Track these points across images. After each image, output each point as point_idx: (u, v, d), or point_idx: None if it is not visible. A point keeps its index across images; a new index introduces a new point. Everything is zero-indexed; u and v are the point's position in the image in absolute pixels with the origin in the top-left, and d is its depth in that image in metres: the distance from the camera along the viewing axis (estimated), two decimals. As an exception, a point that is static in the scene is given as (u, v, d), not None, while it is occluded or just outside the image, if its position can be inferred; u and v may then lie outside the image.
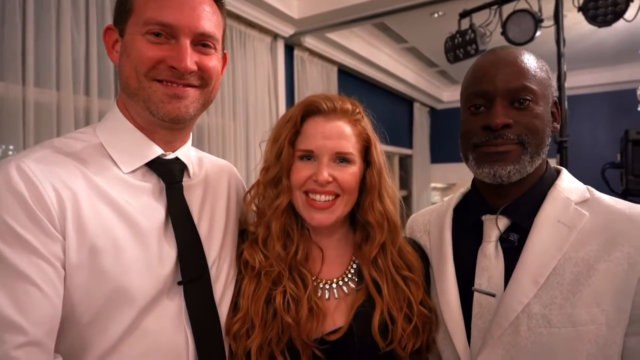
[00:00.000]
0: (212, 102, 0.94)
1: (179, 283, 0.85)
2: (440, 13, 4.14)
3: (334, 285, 0.98)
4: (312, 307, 0.91)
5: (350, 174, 0.96)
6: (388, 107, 6.27)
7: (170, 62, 0.82)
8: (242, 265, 0.99)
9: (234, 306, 0.95)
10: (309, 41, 4.11)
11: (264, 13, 3.44)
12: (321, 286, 0.98)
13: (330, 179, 0.94)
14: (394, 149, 6.49)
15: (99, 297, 0.75)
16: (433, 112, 7.55)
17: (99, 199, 0.80)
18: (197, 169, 1.01)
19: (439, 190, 7.48)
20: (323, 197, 0.95)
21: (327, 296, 0.97)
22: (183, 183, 0.93)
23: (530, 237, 0.85)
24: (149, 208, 0.86)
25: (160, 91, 0.84)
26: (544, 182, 0.90)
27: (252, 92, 3.45)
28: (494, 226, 0.90)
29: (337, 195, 0.95)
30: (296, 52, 4.08)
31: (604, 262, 0.78)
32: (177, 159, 0.94)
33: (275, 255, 0.96)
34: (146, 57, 0.82)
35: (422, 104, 7.13)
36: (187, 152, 0.97)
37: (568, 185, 0.89)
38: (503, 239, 0.89)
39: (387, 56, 5.35)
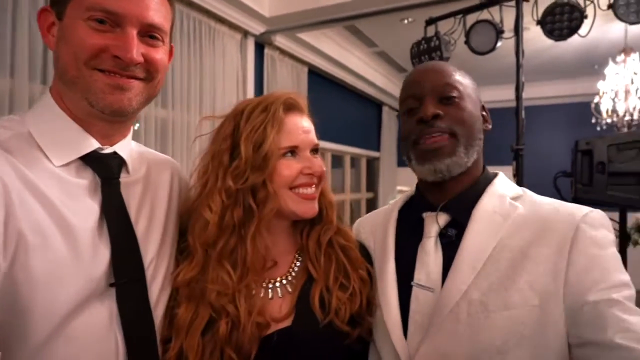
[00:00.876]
0: (155, 96, 0.90)
1: (112, 285, 0.80)
2: (410, 19, 4.22)
3: (278, 285, 0.97)
4: (252, 329, 0.87)
5: (323, 164, 1.00)
6: (357, 110, 6.33)
7: (115, 51, 0.78)
8: (177, 289, 0.91)
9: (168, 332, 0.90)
10: (280, 40, 4.10)
11: (234, 9, 3.41)
12: (264, 286, 0.96)
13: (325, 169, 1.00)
14: (362, 151, 6.56)
15: (21, 297, 0.70)
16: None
17: (29, 192, 0.74)
18: (137, 165, 0.96)
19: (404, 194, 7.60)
20: (312, 189, 0.97)
21: (270, 296, 0.95)
22: (121, 179, 0.88)
23: (468, 228, 0.90)
24: (82, 205, 0.81)
25: (102, 81, 0.79)
26: (482, 182, 0.96)
27: (219, 88, 3.41)
28: (434, 222, 0.94)
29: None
30: (266, 51, 4.06)
31: (536, 248, 0.83)
32: (115, 153, 0.88)
33: (228, 276, 0.90)
34: (88, 44, 0.77)
35: (391, 107, 7.24)
36: (126, 147, 0.92)
37: (503, 184, 0.96)
38: (442, 235, 0.93)
39: (358, 59, 5.40)
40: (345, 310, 0.93)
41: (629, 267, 2.15)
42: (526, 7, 2.51)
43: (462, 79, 0.96)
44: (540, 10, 2.45)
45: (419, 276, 0.91)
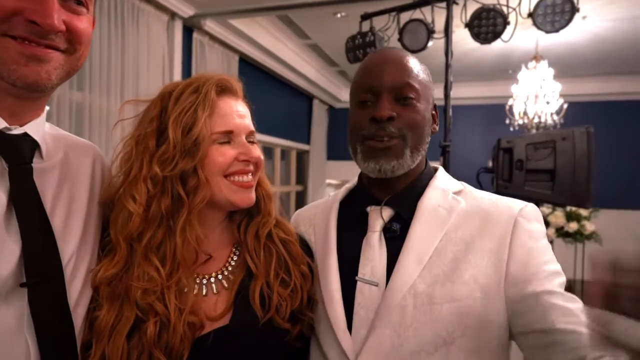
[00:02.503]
0: (77, 70, 0.80)
1: (22, 285, 0.71)
2: (343, 14, 4.25)
3: (213, 280, 0.90)
4: (185, 330, 0.81)
5: (260, 152, 0.94)
6: (288, 102, 6.29)
7: (31, 15, 0.67)
8: (97, 289, 0.83)
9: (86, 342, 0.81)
10: (210, 25, 3.92)
11: (161, -12, 3.20)
12: (197, 282, 0.89)
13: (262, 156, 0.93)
14: (292, 143, 6.54)
15: None
16: (331, 110, 7.76)
17: None
18: (53, 149, 0.84)
19: (333, 187, 7.72)
20: (249, 177, 0.91)
21: (204, 292, 0.89)
22: (33, 165, 0.77)
23: (413, 222, 0.91)
24: None
25: (14, 49, 0.67)
26: (424, 177, 0.97)
27: (143, 72, 3.19)
28: (379, 216, 0.94)
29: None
30: (195, 35, 3.87)
31: (479, 241, 0.86)
32: (25, 135, 0.77)
33: (156, 272, 0.82)
34: None
35: (322, 101, 7.29)
36: (39, 128, 0.80)
37: (445, 179, 0.98)
38: (387, 229, 0.93)
39: (290, 50, 5.35)
40: (286, 306, 0.89)
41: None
42: (456, 10, 2.62)
43: (421, 77, 0.94)
44: (469, 14, 2.57)
45: (364, 270, 0.90)
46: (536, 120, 5.10)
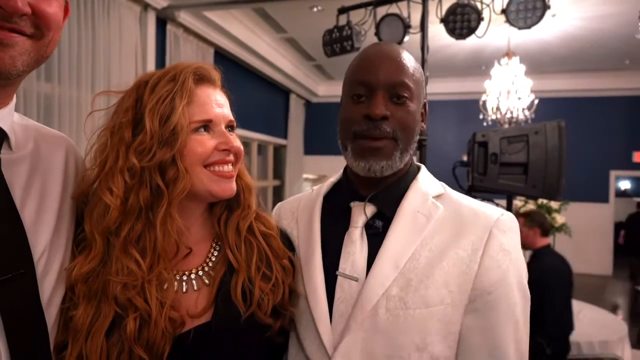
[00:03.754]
0: (47, 58, 0.76)
1: None
2: (319, 7, 4.23)
3: (193, 276, 0.88)
4: (166, 325, 0.79)
5: (239, 142, 0.92)
6: (265, 96, 6.24)
7: None
8: (73, 287, 0.80)
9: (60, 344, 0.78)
10: (185, 17, 3.85)
11: (133, -22, 3.12)
12: (177, 278, 0.87)
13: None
14: (270, 138, 6.50)
15: None
16: (308, 104, 7.74)
17: None
18: (22, 140, 0.80)
19: (310, 181, 7.73)
20: (229, 167, 0.89)
21: (184, 289, 0.87)
22: (1, 156, 0.74)
23: (392, 225, 0.91)
24: None
25: None
26: (408, 176, 0.97)
27: (115, 64, 3.11)
28: (362, 212, 0.93)
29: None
30: (169, 27, 3.79)
31: (453, 249, 0.87)
32: None
33: (136, 265, 0.80)
34: None
35: (298, 95, 7.26)
36: (7, 118, 0.77)
37: (426, 180, 0.98)
38: (369, 225, 0.93)
39: (266, 44, 5.31)
40: (268, 301, 0.88)
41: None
42: (431, 5, 2.64)
43: (417, 76, 0.93)
44: (444, 9, 2.59)
45: (344, 265, 0.90)
46: (508, 115, 5.22)
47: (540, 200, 4.30)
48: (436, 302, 0.83)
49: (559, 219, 4.56)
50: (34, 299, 0.73)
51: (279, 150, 7.11)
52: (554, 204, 4.38)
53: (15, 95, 0.79)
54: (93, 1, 2.88)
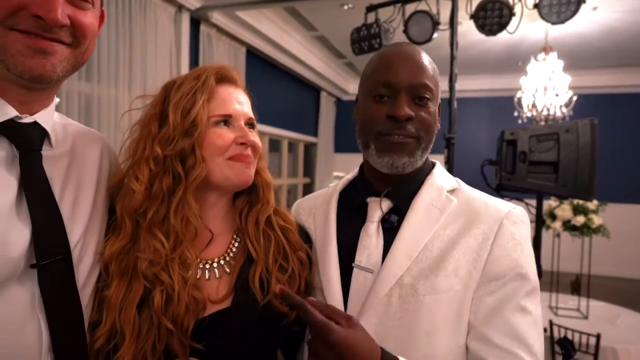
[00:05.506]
0: (84, 64, 0.83)
1: (32, 266, 0.74)
2: (350, 5, 4.24)
3: (215, 265, 0.94)
4: (190, 301, 0.85)
5: (258, 138, 0.99)
6: (295, 94, 6.30)
7: (35, 9, 0.69)
8: (107, 267, 0.87)
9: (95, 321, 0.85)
10: (217, 17, 3.94)
11: (168, -20, 3.23)
12: (201, 267, 0.93)
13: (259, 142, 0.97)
14: (300, 136, 6.56)
15: None
16: (339, 102, 7.76)
17: None
18: (62, 138, 0.88)
19: (340, 179, 7.72)
20: (248, 160, 0.95)
21: (207, 276, 0.93)
22: (43, 152, 0.81)
23: (407, 217, 0.94)
24: None
25: (21, 42, 0.70)
26: (423, 172, 1.01)
27: (151, 64, 3.23)
28: (378, 207, 0.97)
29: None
30: (202, 27, 3.89)
31: (464, 237, 0.90)
32: (35, 123, 0.80)
33: (160, 244, 0.88)
34: (3, 1, 0.69)
35: (329, 93, 7.29)
36: (49, 117, 0.84)
37: (441, 176, 1.01)
38: (384, 220, 0.96)
39: (297, 43, 5.35)
40: None
41: (542, 247, 2.35)
42: (461, 1, 2.61)
43: (435, 76, 0.96)
44: (474, 5, 2.56)
45: (360, 258, 0.93)
46: (545, 112, 5.06)
47: (576, 201, 4.16)
48: (446, 289, 0.86)
49: (597, 220, 4.39)
50: (71, 282, 0.80)
51: (310, 148, 7.16)
52: (591, 205, 4.23)
53: (55, 96, 0.87)
54: (130, 4, 3.00)
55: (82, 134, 0.95)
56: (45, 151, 0.82)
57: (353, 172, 1.10)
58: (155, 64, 3.27)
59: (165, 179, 0.90)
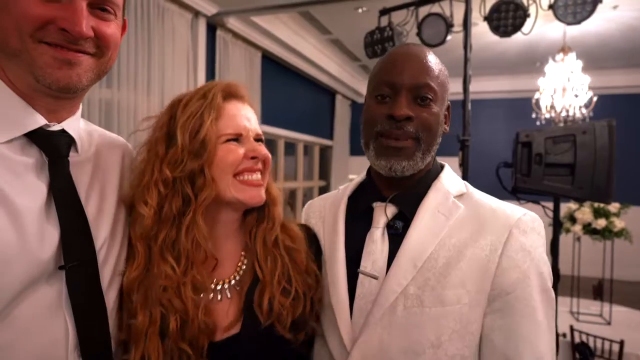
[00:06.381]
0: (107, 72, 0.86)
1: (61, 267, 0.77)
2: (364, 8, 4.25)
3: (226, 286, 0.94)
4: (201, 324, 0.87)
5: (267, 151, 0.98)
6: (311, 97, 6.33)
7: (62, 24, 0.73)
8: (129, 295, 0.88)
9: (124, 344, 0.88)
10: (233, 23, 4.00)
11: (185, -12, 3.29)
12: (212, 287, 0.93)
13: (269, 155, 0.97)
14: (315, 139, 6.58)
15: None
16: (354, 105, 7.76)
17: None
18: (87, 144, 0.92)
19: (356, 182, 7.71)
20: (258, 175, 0.95)
21: (219, 298, 0.93)
22: (70, 158, 0.84)
23: (412, 224, 0.92)
24: (28, 185, 0.77)
25: (48, 54, 0.74)
26: (430, 176, 0.98)
27: (169, 69, 3.29)
28: (383, 213, 0.96)
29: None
30: (219, 33, 3.95)
31: (471, 248, 0.87)
32: (63, 131, 0.84)
33: (172, 270, 0.88)
34: (33, 15, 0.71)
35: (344, 96, 7.30)
36: (75, 125, 0.87)
37: (449, 179, 0.99)
38: (390, 226, 0.95)
39: (312, 46, 5.38)
40: (287, 314, 0.92)
41: (561, 251, 2.32)
42: (474, 3, 2.59)
43: (441, 78, 0.94)
44: (488, 7, 2.54)
45: (365, 264, 0.92)
46: (564, 114, 4.97)
47: (596, 204, 4.07)
48: (452, 302, 0.85)
49: (618, 223, 4.29)
50: (96, 283, 0.83)
51: (325, 151, 7.17)
52: (612, 208, 4.13)
53: (80, 104, 0.91)
54: (149, 11, 3.07)
55: (104, 139, 0.98)
56: (72, 157, 0.85)
57: (362, 175, 1.09)
58: (173, 69, 3.34)
59: (175, 201, 0.90)
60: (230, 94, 0.96)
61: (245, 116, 0.96)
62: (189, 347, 0.85)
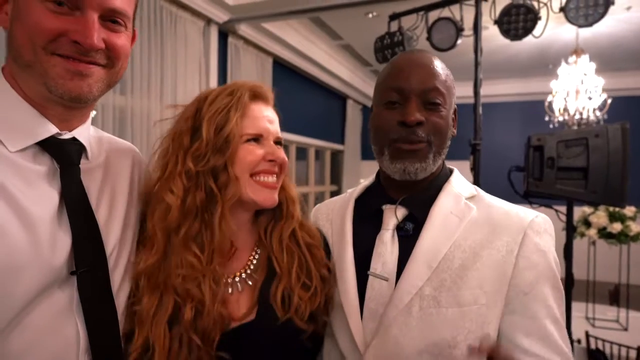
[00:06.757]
0: (117, 82, 0.88)
1: (72, 273, 0.79)
2: (374, 13, 4.27)
3: (237, 279, 0.96)
4: (216, 316, 0.88)
5: (285, 155, 1.00)
6: (322, 102, 6.35)
7: (74, 36, 0.75)
8: (137, 283, 0.89)
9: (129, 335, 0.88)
10: (244, 29, 4.04)
11: (197, -4, 3.34)
12: (223, 281, 0.94)
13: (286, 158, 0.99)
14: (327, 143, 6.60)
15: None
16: (365, 109, 7.76)
17: None
18: (97, 151, 0.93)
19: (367, 186, 7.70)
20: (273, 177, 0.97)
21: (230, 291, 0.94)
22: (80, 166, 0.86)
23: (425, 226, 0.93)
24: (41, 193, 0.78)
25: (61, 66, 0.76)
26: (440, 179, 1.00)
27: (181, 76, 3.34)
28: (393, 215, 0.97)
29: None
30: (230, 40, 4.00)
31: (487, 250, 0.88)
32: (74, 139, 0.86)
33: (197, 259, 0.89)
34: (45, 28, 0.73)
35: (355, 101, 7.30)
36: (85, 133, 0.90)
37: (459, 182, 1.00)
38: (400, 228, 0.96)
39: (323, 52, 5.41)
40: (305, 308, 0.94)
41: (574, 256, 2.29)
42: (485, 7, 2.59)
43: (448, 82, 0.96)
44: (498, 11, 2.54)
45: (375, 266, 0.93)
46: (577, 116, 4.91)
47: (611, 208, 4.01)
48: (470, 302, 0.86)
49: (634, 227, 4.22)
50: (107, 288, 0.85)
51: (336, 156, 7.18)
52: (628, 212, 4.06)
53: (90, 113, 0.93)
54: (162, 19, 3.13)
55: (114, 146, 1.00)
56: (83, 164, 0.87)
57: (369, 179, 1.10)
58: (185, 76, 3.39)
59: (199, 194, 0.91)
60: (257, 95, 0.98)
61: (268, 118, 0.98)
62: (199, 338, 0.85)
